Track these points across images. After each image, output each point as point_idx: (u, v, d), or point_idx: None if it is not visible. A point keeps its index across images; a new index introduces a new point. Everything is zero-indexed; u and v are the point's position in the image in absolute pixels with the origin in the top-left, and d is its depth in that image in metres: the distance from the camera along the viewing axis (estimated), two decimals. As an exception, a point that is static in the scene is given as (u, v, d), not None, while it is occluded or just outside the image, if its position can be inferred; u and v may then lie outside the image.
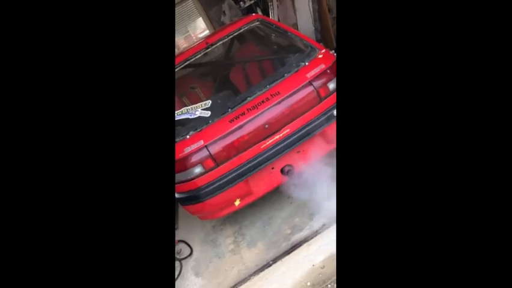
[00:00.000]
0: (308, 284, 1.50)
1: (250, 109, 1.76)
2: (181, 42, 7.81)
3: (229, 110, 1.80)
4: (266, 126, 1.75)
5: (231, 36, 2.18)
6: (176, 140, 1.82)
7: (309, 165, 1.89)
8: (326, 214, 1.80)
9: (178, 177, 1.82)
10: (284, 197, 2.12)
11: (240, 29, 2.16)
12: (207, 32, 7.20)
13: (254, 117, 1.74)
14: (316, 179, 1.92)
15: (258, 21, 2.19)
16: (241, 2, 5.93)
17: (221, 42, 2.17)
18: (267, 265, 1.70)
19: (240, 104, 1.80)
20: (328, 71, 1.82)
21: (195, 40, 7.73)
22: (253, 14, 2.36)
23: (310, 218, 1.86)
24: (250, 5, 5.96)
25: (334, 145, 1.86)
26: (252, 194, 1.85)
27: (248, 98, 1.81)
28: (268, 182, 1.85)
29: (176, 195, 1.91)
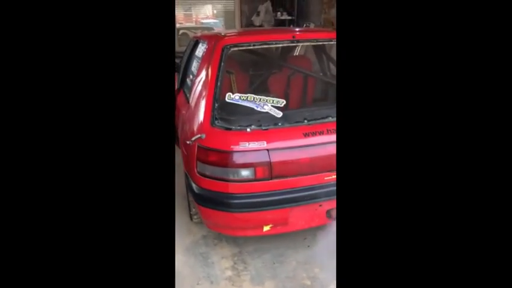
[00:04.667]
0: None
1: (331, 131, 1.49)
2: (179, 16, 7.24)
3: (305, 121, 1.51)
4: (341, 157, 1.48)
5: (320, 43, 1.92)
6: (230, 126, 1.46)
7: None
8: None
9: (215, 171, 1.44)
10: (298, 235, 1.84)
11: (331, 40, 1.92)
12: (212, 21, 6.77)
13: (334, 142, 1.47)
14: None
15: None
16: (278, 13, 5.78)
17: (307, 44, 1.90)
18: (282, 318, 1.37)
19: (319, 120, 1.52)
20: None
21: (194, 21, 7.25)
22: None
23: (335, 275, 1.59)
24: (284, 20, 5.85)
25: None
26: (286, 225, 1.53)
27: (329, 118, 1.54)
28: (309, 219, 1.55)
29: (197, 190, 1.51)
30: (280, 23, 5.86)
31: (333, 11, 4.82)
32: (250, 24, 5.91)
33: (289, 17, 5.71)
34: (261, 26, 5.74)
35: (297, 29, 2.30)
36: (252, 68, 2.39)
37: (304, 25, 5.40)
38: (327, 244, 1.76)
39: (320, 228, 1.69)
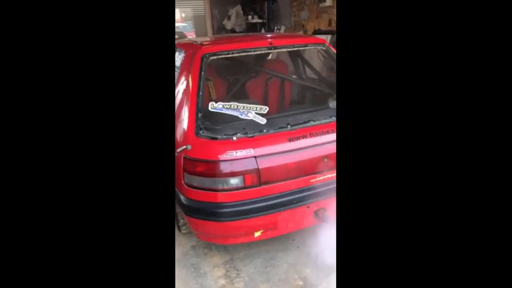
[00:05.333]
0: None
1: (313, 134, 1.54)
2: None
3: (289, 126, 1.54)
4: (325, 160, 1.54)
5: (296, 49, 1.97)
6: (216, 136, 1.46)
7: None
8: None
9: (203, 181, 1.43)
10: (287, 237, 1.88)
11: (306, 45, 1.98)
12: (181, 25, 6.68)
13: (318, 145, 1.52)
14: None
15: (321, 47, 2.05)
16: (249, 16, 5.83)
17: (284, 50, 1.94)
18: (279, 321, 1.39)
19: (302, 124, 1.57)
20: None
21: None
22: (321, 38, 2.21)
23: (325, 274, 1.64)
24: (255, 23, 5.90)
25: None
26: (276, 229, 1.56)
27: (311, 122, 1.59)
28: (298, 221, 1.59)
29: (185, 202, 1.49)
30: (251, 27, 5.91)
31: (303, 14, 4.94)
32: (221, 28, 5.90)
33: (260, 20, 5.78)
34: (232, 29, 5.76)
35: (273, 35, 2.33)
36: (229, 73, 2.40)
37: (276, 28, 5.49)
38: (315, 244, 1.81)
39: (308, 229, 1.73)
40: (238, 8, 5.70)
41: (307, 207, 1.58)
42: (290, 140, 1.50)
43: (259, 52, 1.84)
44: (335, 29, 4.55)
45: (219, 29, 5.91)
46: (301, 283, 1.60)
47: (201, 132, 1.47)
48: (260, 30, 5.77)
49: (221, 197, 1.42)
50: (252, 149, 1.43)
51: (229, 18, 5.67)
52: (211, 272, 1.70)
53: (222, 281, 1.64)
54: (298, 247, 1.84)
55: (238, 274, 1.68)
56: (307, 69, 2.46)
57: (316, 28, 4.47)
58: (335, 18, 4.35)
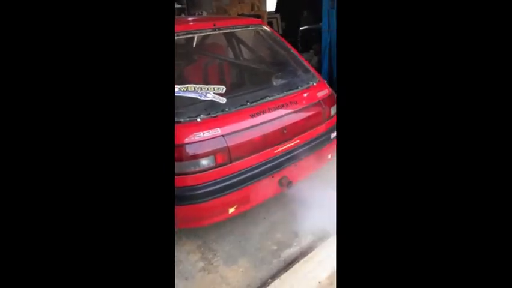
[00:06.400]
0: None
1: (272, 109, 1.63)
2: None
3: (248, 103, 1.60)
4: (284, 131, 1.65)
5: (237, 30, 2.01)
6: (179, 119, 1.43)
7: (299, 180, 1.88)
8: (311, 231, 1.80)
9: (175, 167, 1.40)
10: (252, 211, 1.97)
11: (248, 26, 2.03)
12: None
13: (277, 118, 1.62)
14: (300, 196, 1.93)
15: (261, 28, 2.13)
16: (167, 2, 5.52)
17: (227, 31, 1.95)
18: (265, 283, 1.49)
19: (260, 100, 1.64)
20: (330, 96, 1.96)
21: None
22: (258, 19, 2.28)
23: (295, 234, 1.80)
24: (176, 9, 5.64)
25: (321, 165, 1.95)
26: (248, 202, 1.63)
27: (267, 98, 1.68)
28: (267, 191, 1.69)
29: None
30: (170, 13, 5.61)
31: (224, -1, 4.94)
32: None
33: (180, 6, 5.54)
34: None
35: (213, 17, 2.32)
36: None
37: (197, 13, 5.35)
38: (279, 210, 1.96)
39: (270, 199, 1.86)
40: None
41: (272, 177, 1.70)
42: (252, 116, 1.56)
43: (203, 34, 1.82)
44: (258, 13, 4.69)
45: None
46: (275, 247, 1.73)
47: (162, 117, 1.42)
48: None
49: (195, 179, 1.41)
50: (218, 128, 1.45)
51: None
52: (187, 258, 1.69)
53: (201, 264, 1.65)
54: (265, 217, 1.95)
55: (215, 254, 1.71)
56: (245, 50, 2.52)
57: (240, 13, 4.54)
58: (257, 3, 4.47)
